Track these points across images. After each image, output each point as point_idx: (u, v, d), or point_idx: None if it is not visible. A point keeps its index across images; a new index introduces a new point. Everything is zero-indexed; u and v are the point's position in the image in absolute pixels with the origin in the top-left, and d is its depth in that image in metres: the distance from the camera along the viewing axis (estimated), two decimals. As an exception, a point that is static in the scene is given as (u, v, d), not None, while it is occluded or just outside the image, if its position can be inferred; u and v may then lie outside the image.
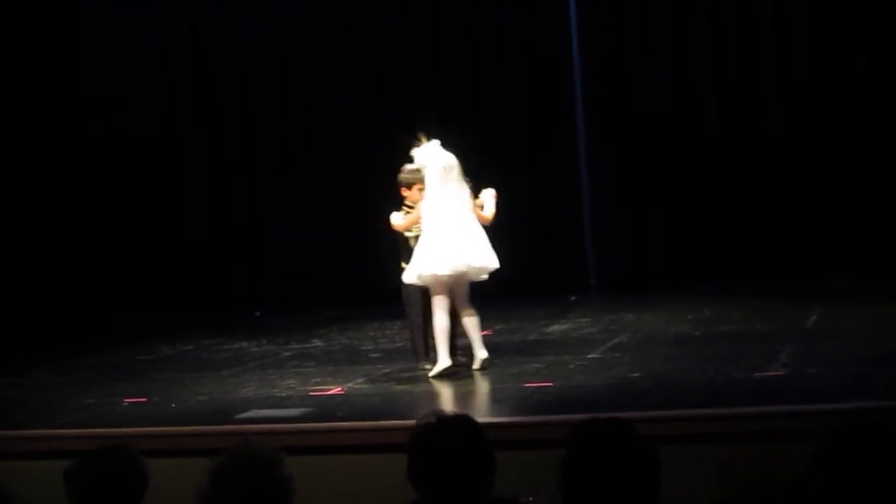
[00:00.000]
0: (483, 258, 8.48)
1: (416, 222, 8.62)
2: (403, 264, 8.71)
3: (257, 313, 13.56)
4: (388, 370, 8.95)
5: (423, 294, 8.65)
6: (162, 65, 14.48)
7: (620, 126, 13.39)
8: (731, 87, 13.14)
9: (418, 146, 8.60)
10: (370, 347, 10.31)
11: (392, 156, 13.77)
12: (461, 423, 3.75)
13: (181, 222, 14.17)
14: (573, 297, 12.50)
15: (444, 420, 3.77)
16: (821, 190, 12.68)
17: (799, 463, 3.23)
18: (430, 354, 8.65)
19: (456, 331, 8.63)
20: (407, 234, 8.76)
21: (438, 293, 8.46)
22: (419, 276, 8.45)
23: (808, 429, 5.37)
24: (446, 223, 8.41)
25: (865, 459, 3.09)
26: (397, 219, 8.84)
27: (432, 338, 8.58)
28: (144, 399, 8.36)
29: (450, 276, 8.41)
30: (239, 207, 14.20)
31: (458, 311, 8.51)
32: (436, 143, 8.60)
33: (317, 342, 10.86)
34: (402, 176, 8.87)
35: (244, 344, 10.98)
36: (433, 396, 7.86)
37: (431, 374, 8.44)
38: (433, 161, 8.50)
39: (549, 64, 13.56)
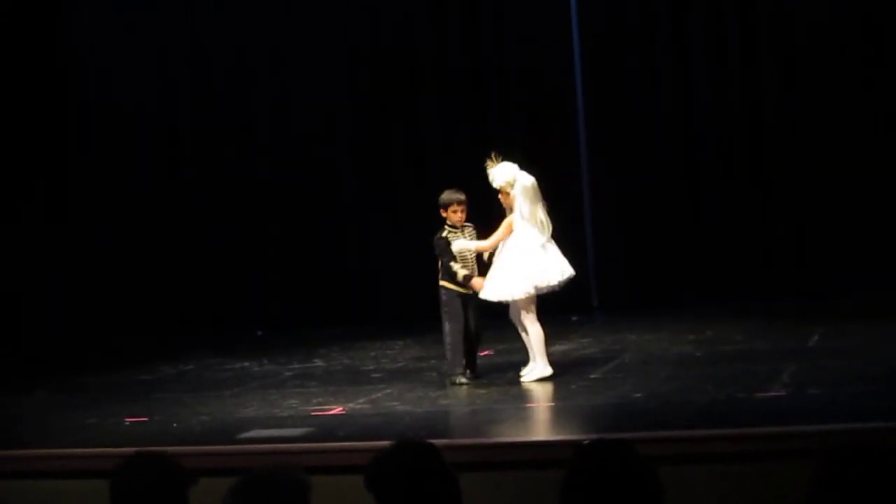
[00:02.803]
0: (569, 268, 8.87)
1: (507, 236, 8.82)
2: (446, 283, 8.97)
3: (259, 333, 13.56)
4: (389, 390, 8.94)
5: (464, 308, 8.94)
6: (161, 73, 14.46)
7: (623, 146, 13.39)
8: (731, 106, 13.15)
9: (493, 165, 8.84)
10: (372, 367, 10.30)
11: (392, 168, 13.92)
12: (418, 449, 3.74)
13: (183, 241, 14.14)
14: (575, 318, 12.48)
15: (400, 447, 3.76)
16: (823, 208, 12.69)
17: (800, 484, 3.22)
18: (467, 370, 8.98)
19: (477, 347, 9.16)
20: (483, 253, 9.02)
21: (531, 304, 8.77)
22: (535, 287, 8.68)
23: (810, 449, 5.37)
24: (542, 237, 8.77)
25: (865, 480, 3.08)
26: (456, 242, 8.94)
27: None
28: (146, 419, 8.35)
29: (554, 286, 8.74)
30: (240, 226, 14.17)
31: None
32: (511, 164, 8.85)
33: (318, 362, 10.84)
34: (443, 196, 9.12)
35: (246, 363, 10.97)
36: (434, 417, 7.84)
37: (530, 378, 8.74)
38: (524, 178, 8.78)
39: (551, 84, 13.57)
